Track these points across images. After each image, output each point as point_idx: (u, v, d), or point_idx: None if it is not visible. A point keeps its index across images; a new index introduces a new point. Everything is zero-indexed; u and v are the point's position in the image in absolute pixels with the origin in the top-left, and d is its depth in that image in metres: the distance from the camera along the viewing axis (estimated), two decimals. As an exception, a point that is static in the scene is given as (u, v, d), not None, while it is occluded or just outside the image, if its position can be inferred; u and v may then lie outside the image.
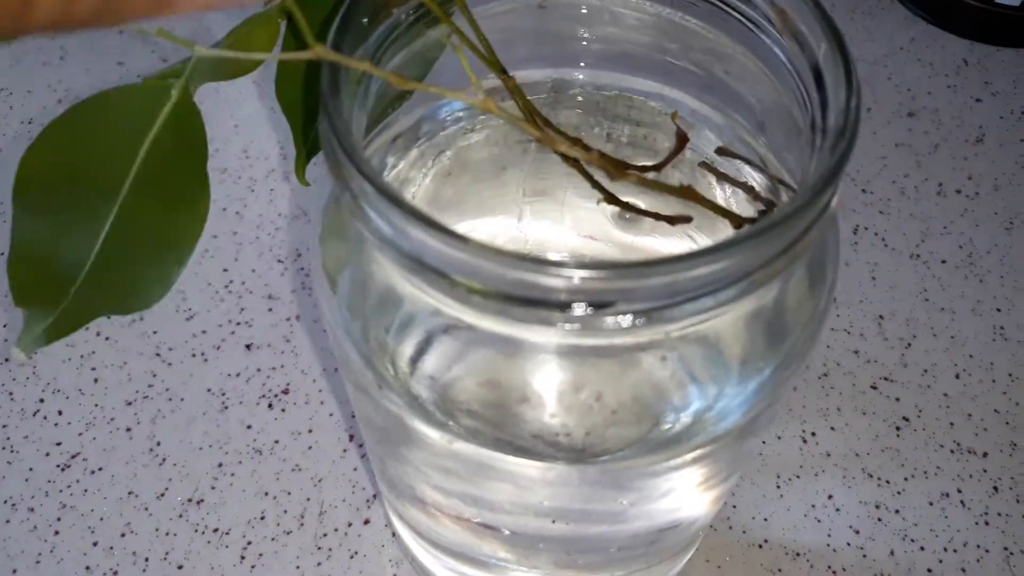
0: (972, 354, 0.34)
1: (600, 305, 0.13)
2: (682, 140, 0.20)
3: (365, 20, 0.16)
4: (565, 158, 0.17)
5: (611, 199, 0.17)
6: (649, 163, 0.19)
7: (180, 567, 0.29)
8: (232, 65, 0.16)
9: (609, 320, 0.13)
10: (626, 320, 0.13)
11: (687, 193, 0.17)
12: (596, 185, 0.17)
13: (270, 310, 0.34)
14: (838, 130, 0.15)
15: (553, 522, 0.19)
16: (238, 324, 0.34)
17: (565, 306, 0.13)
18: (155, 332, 0.34)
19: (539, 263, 0.13)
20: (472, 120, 0.20)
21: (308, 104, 0.19)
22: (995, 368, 0.34)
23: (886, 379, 0.33)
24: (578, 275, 0.13)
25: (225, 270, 0.35)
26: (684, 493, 0.20)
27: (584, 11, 0.19)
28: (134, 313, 0.19)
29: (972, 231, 0.37)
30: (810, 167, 0.16)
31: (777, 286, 0.17)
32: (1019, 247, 0.37)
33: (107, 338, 0.34)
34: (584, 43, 0.20)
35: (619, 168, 0.17)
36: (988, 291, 0.36)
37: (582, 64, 0.20)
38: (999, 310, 0.35)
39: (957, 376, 0.34)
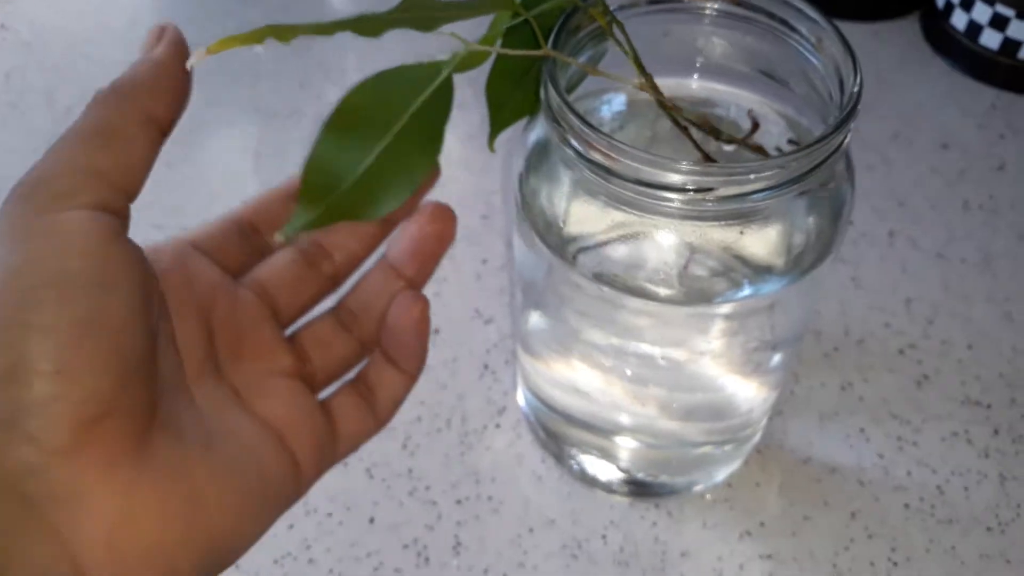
0: (982, 331, 0.43)
1: (702, 189, 0.23)
2: (755, 125, 0.29)
3: (570, 32, 0.26)
4: (679, 125, 0.27)
5: (707, 157, 0.27)
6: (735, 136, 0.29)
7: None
8: (478, 56, 0.26)
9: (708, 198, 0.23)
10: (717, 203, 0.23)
11: (757, 149, 0.27)
12: (697, 147, 0.27)
13: (422, 273, 0.44)
14: (848, 98, 0.25)
15: (661, 359, 0.28)
16: (398, 281, 0.44)
17: (682, 189, 0.23)
18: (335, 284, 0.44)
19: (671, 159, 0.23)
20: (620, 114, 0.30)
21: (503, 93, 0.29)
22: (1002, 342, 0.42)
23: (911, 346, 0.42)
24: (688, 168, 0.23)
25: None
26: (747, 350, 0.29)
27: (694, 39, 0.29)
28: (372, 218, 0.25)
29: (990, 238, 0.46)
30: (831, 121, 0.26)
31: (807, 207, 0.27)
32: (1029, 253, 0.46)
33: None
34: (695, 60, 0.30)
35: (716, 134, 0.26)
36: (1000, 285, 0.44)
37: (695, 75, 0.30)
38: (1008, 299, 0.44)
39: (969, 347, 0.42)
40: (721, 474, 0.37)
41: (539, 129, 0.28)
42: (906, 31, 0.57)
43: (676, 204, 0.23)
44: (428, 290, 0.44)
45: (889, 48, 0.56)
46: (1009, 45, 0.51)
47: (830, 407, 0.40)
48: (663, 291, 0.27)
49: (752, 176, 0.23)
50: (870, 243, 0.46)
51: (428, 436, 0.39)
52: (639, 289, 0.26)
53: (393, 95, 0.26)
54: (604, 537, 0.36)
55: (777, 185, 0.23)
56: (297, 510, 0.37)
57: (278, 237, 0.23)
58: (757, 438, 0.37)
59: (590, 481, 0.37)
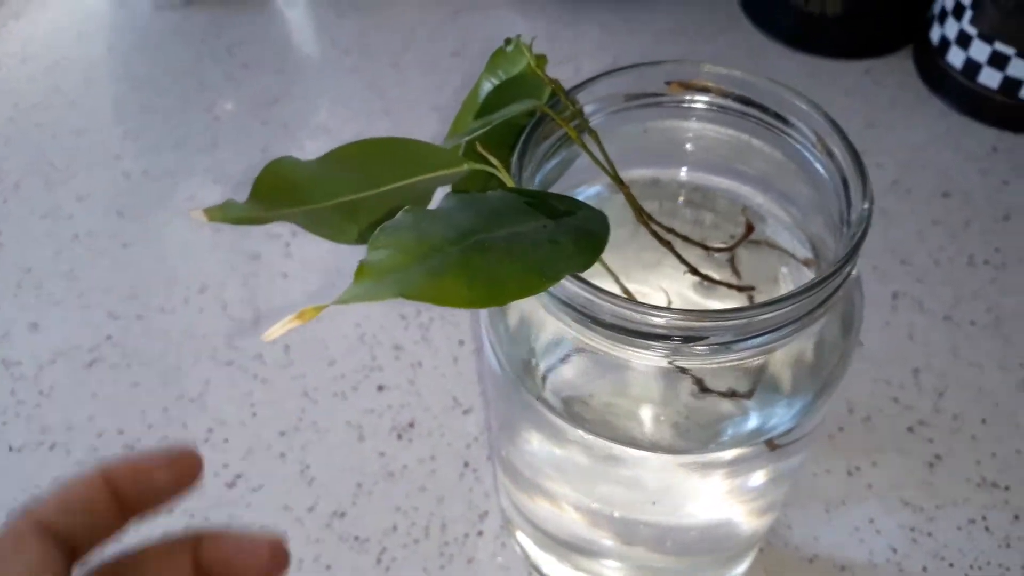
0: (998, 403, 0.40)
1: (689, 339, 0.20)
2: (749, 228, 0.27)
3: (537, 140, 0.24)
4: (659, 239, 0.25)
5: (694, 271, 0.25)
6: (723, 245, 0.26)
7: (328, 567, 0.36)
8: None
9: (697, 348, 0.21)
10: (707, 350, 0.21)
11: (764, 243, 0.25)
12: (682, 260, 0.25)
13: (397, 358, 0.42)
14: (857, 223, 0.23)
15: (653, 504, 0.25)
16: (371, 369, 0.42)
17: (665, 337, 0.21)
18: (303, 375, 0.42)
19: (653, 307, 0.20)
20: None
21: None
22: (1018, 415, 0.40)
23: (921, 423, 0.40)
24: (674, 316, 0.20)
25: (358, 324, 0.43)
26: (743, 489, 0.27)
27: (681, 136, 0.27)
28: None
29: (999, 297, 0.44)
30: (838, 248, 0.23)
31: (816, 331, 0.24)
32: (1041, 312, 0.43)
33: (263, 380, 0.41)
34: (681, 153, 0.27)
35: (699, 246, 0.24)
36: (1013, 349, 0.42)
37: (683, 167, 0.28)
38: (1022, 365, 0.42)
39: (983, 421, 0.40)
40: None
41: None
42: (899, 68, 0.55)
43: (661, 351, 0.21)
44: (401, 377, 0.41)
45: (882, 87, 0.54)
46: (1009, 84, 0.49)
47: (837, 496, 0.38)
48: (652, 435, 0.24)
49: (746, 321, 0.20)
50: (873, 307, 0.43)
51: (405, 548, 0.37)
52: (622, 435, 0.24)
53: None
54: (599, 656, 0.34)
55: (778, 327, 0.21)
56: (265, 637, 0.34)
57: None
58: (756, 548, 0.35)
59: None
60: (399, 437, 0.40)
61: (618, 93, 0.25)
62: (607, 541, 0.29)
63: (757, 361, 0.24)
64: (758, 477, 0.26)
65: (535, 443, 0.28)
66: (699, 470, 0.25)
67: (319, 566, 0.36)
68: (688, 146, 0.27)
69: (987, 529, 0.37)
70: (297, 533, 0.37)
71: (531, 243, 0.19)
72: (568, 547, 0.31)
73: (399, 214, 0.20)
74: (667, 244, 0.25)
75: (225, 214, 0.24)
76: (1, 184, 0.50)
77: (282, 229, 0.47)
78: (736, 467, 0.25)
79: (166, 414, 0.40)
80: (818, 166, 0.25)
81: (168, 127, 0.53)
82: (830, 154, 0.25)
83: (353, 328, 0.43)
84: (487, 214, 0.20)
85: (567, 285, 0.21)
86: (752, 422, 0.25)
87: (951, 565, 0.36)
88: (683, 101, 0.26)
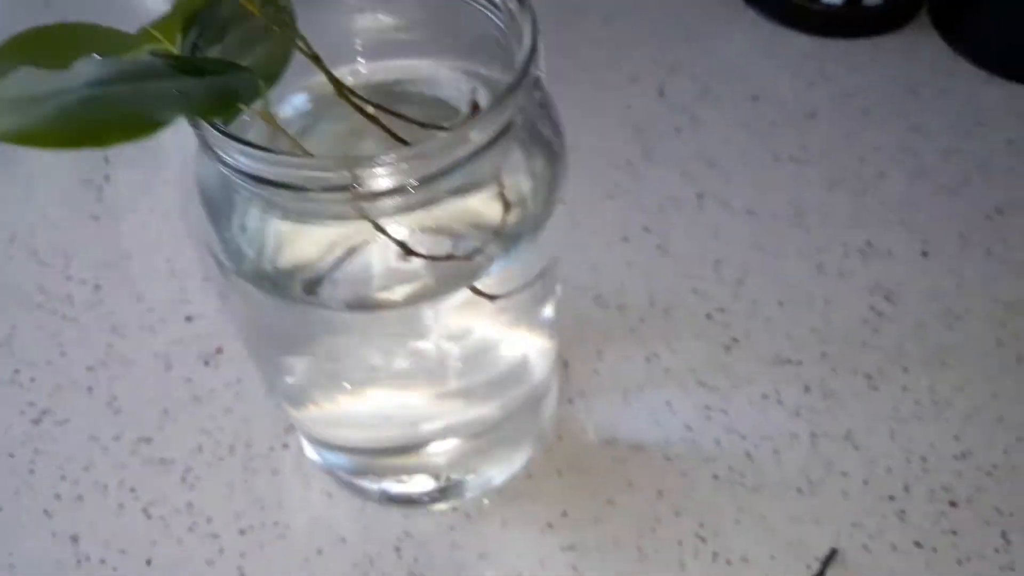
0: (794, 287, 0.42)
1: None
2: (475, 107, 0.28)
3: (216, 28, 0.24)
4: (364, 113, 0.25)
5: (398, 139, 0.25)
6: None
7: (132, 489, 0.36)
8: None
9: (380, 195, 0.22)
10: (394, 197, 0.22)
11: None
12: (389, 132, 0.26)
13: (204, 290, 0.42)
14: (525, 52, 0.23)
15: (389, 369, 0.26)
16: (180, 301, 0.42)
17: (341, 188, 0.21)
18: (112, 312, 0.42)
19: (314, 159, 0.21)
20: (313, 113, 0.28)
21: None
22: (814, 296, 0.42)
23: (720, 310, 0.41)
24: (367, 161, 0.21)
25: (168, 260, 0.43)
26: (480, 333, 0.28)
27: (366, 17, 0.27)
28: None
29: (801, 190, 0.46)
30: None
31: (510, 172, 0.25)
32: (840, 203, 0.45)
33: (72, 320, 0.41)
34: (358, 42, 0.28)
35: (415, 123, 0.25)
36: (811, 237, 0.44)
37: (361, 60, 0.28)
38: (819, 251, 0.43)
39: (780, 304, 0.41)
40: (520, 459, 0.36)
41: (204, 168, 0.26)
42: (715, -15, 0.56)
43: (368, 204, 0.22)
44: (209, 307, 0.42)
45: (696, 2, 0.55)
46: (812, -10, 0.51)
47: (635, 382, 0.39)
48: (410, 291, 0.25)
49: (413, 158, 0.21)
50: (677, 208, 0.45)
51: (209, 466, 0.37)
52: (385, 301, 0.25)
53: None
54: (398, 550, 0.35)
55: (464, 159, 0.22)
56: (67, 559, 0.35)
57: None
58: (552, 406, 0.36)
59: (389, 500, 0.36)
60: (206, 364, 0.40)
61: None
62: (392, 428, 0.30)
63: (453, 209, 0.24)
64: (492, 323, 0.27)
65: (292, 352, 0.28)
66: (433, 321, 0.26)
67: (124, 489, 0.36)
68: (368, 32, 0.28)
69: (779, 402, 0.38)
70: (103, 461, 0.37)
71: (152, 94, 0.20)
72: (380, 453, 0.32)
73: (14, 72, 0.20)
74: (373, 119, 0.25)
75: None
76: None
77: (94, 175, 0.47)
78: (465, 315, 0.26)
79: (-29, 360, 0.40)
80: (498, 22, 0.25)
81: None
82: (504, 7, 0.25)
83: (164, 263, 0.43)
84: (117, 72, 0.20)
85: (233, 154, 0.21)
86: (469, 273, 0.26)
87: (743, 437, 0.37)
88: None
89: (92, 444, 0.38)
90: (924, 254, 0.43)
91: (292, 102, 0.28)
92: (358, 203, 0.22)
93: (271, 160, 0.21)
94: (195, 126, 0.22)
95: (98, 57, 0.21)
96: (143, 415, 0.38)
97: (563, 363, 0.39)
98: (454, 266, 0.26)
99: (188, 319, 0.41)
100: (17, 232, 0.45)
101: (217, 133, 0.21)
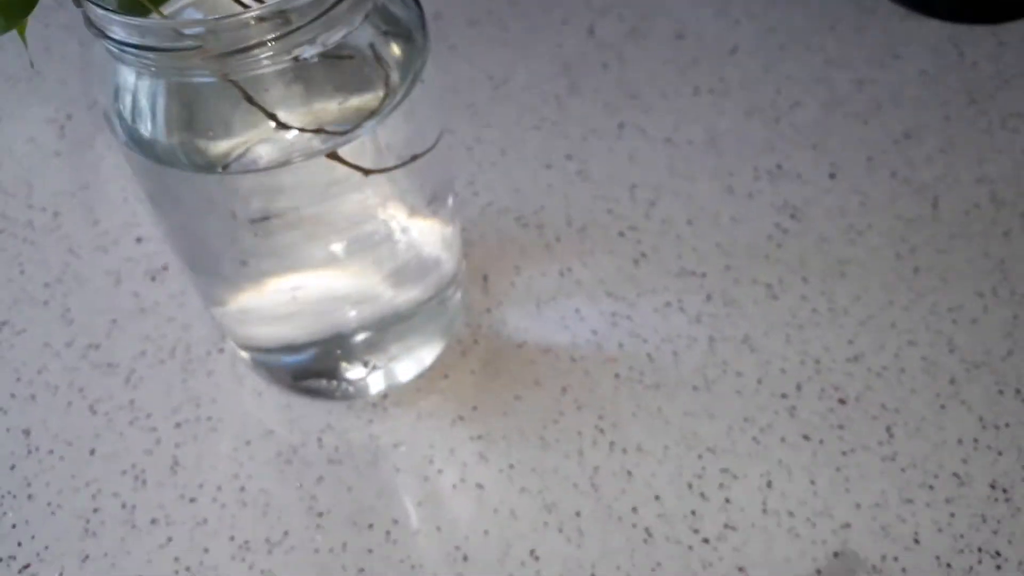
0: (704, 207, 0.44)
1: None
2: None
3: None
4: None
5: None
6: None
7: (80, 389, 0.39)
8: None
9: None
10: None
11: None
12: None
13: (156, 214, 0.45)
14: None
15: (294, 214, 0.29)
16: (132, 225, 0.45)
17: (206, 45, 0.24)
18: (69, 236, 0.45)
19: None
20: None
21: None
22: (721, 214, 0.44)
23: (632, 228, 0.44)
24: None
25: (123, 188, 0.46)
26: (362, 208, 0.30)
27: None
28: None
29: (717, 120, 0.48)
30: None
31: (364, 38, 0.28)
32: (755, 130, 0.47)
33: (32, 243, 0.44)
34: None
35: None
36: (724, 161, 0.46)
37: None
38: (731, 174, 0.46)
39: (689, 222, 0.44)
40: (432, 353, 0.39)
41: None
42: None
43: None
44: (157, 235, 0.44)
45: (636, -49, 0.57)
46: (738, -67, 0.53)
47: (548, 293, 0.41)
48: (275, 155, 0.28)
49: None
50: (599, 137, 0.47)
51: (151, 368, 0.40)
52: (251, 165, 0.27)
53: None
54: (320, 440, 0.37)
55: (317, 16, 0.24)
56: (19, 450, 0.38)
57: None
58: (459, 295, 0.39)
59: (312, 392, 0.38)
60: (153, 279, 0.43)
61: None
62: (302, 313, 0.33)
63: (321, 85, 0.27)
64: (372, 199, 0.30)
65: (198, 222, 0.31)
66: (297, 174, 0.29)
67: (73, 390, 0.39)
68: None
69: (681, 310, 0.41)
70: (54, 365, 0.40)
71: None
72: (271, 352, 0.35)
73: None
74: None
75: None
76: None
77: (57, 114, 0.50)
78: (339, 188, 0.29)
79: (-62, 279, 0.43)
80: None
81: None
82: None
83: (119, 192, 0.46)
84: None
85: (104, 27, 0.24)
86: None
87: (645, 340, 0.40)
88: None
89: (46, 350, 0.41)
90: (832, 176, 0.45)
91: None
92: (213, 60, 0.25)
93: (137, 25, 0.24)
94: (78, 4, 0.24)
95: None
96: (93, 325, 0.41)
97: (483, 277, 0.42)
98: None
99: (138, 240, 0.44)
100: (-16, 166, 0.48)
101: (97, 8, 0.24)
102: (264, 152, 0.29)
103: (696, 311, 0.41)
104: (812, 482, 0.36)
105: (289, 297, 0.34)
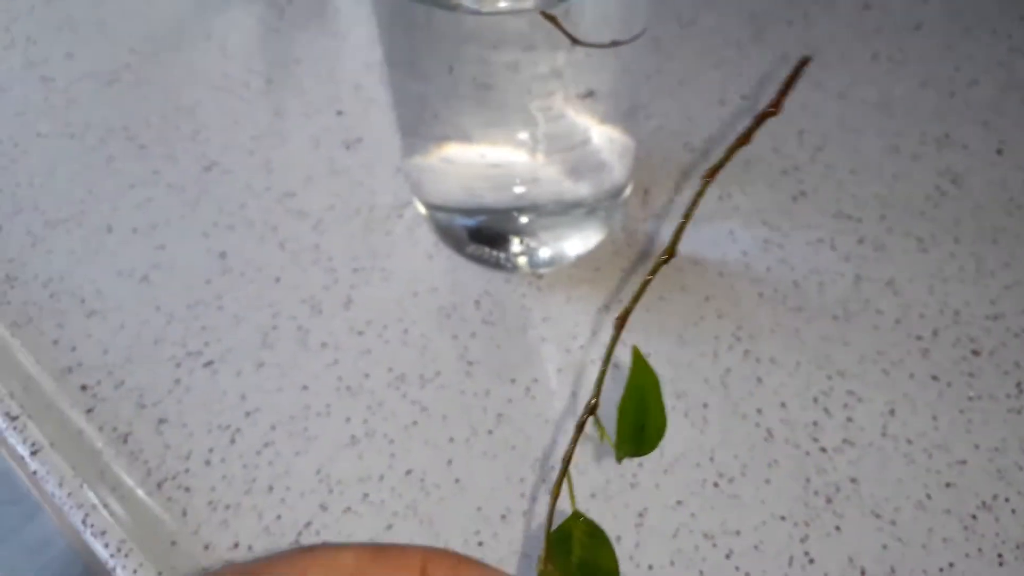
0: (867, 159, 0.45)
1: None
2: None
3: None
4: None
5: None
6: None
7: (274, 228, 0.44)
8: None
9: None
10: None
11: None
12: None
13: (356, 93, 0.49)
14: None
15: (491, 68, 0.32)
16: (334, 99, 0.49)
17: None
18: (279, 103, 0.49)
19: None
20: None
21: None
22: (884, 169, 0.45)
23: (795, 168, 0.45)
24: None
25: (331, 68, 0.51)
26: (564, 85, 0.33)
27: None
28: None
29: (893, 84, 0.49)
30: None
31: None
32: (927, 99, 0.48)
33: (247, 101, 0.49)
34: None
35: None
36: (894, 121, 0.47)
37: None
38: (899, 134, 0.46)
39: (852, 172, 0.45)
40: (590, 242, 0.41)
41: None
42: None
43: None
44: (358, 107, 0.48)
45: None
46: (941, -85, 0.53)
47: (705, 213, 0.43)
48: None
49: None
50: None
51: (337, 221, 0.44)
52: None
53: None
54: (477, 302, 0.40)
55: None
56: (215, 269, 0.42)
57: None
58: (622, 203, 0.41)
59: (475, 259, 0.41)
60: (347, 148, 0.47)
61: None
62: (488, 182, 0.36)
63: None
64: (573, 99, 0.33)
65: (414, 55, 0.34)
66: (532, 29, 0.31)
67: (267, 227, 0.44)
68: None
69: (832, 247, 0.42)
70: (253, 204, 0.45)
71: None
72: (470, 211, 0.38)
73: None
74: None
75: None
76: None
77: (281, -3, 0.55)
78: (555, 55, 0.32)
79: (164, 119, 0.49)
80: None
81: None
82: None
83: (326, 71, 0.51)
84: None
85: None
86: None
87: (792, 268, 0.41)
88: None
89: (247, 191, 0.45)
90: (999, 152, 0.46)
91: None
92: None
93: None
94: None
95: None
96: (291, 177, 0.46)
97: (644, 190, 0.44)
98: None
99: (338, 113, 0.48)
100: (212, 34, 0.53)
101: None
102: None
103: (847, 251, 0.42)
104: (934, 418, 0.37)
105: (475, 162, 0.37)
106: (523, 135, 0.35)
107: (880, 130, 0.47)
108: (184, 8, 0.55)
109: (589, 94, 0.35)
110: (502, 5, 0.31)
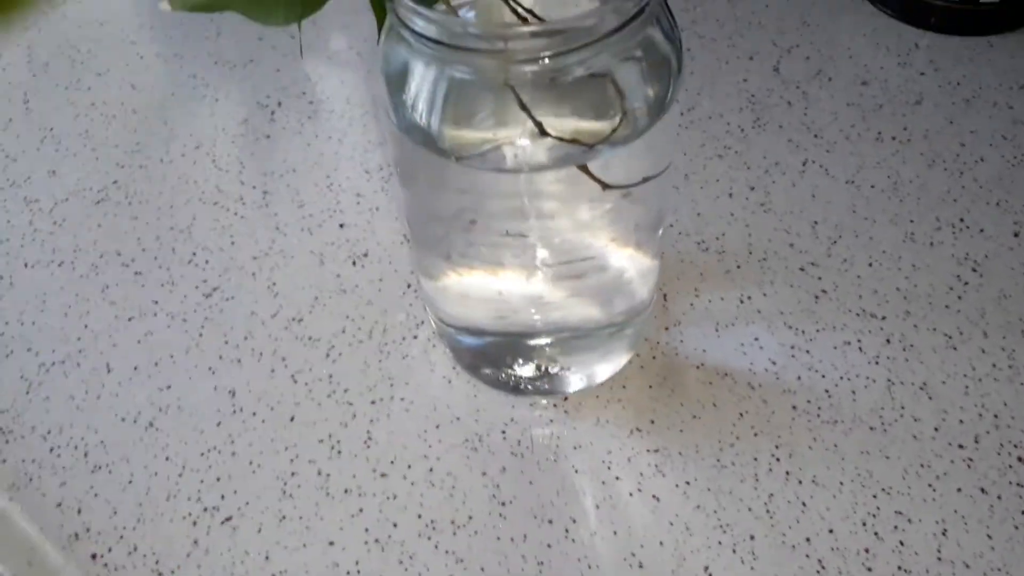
0: (885, 250, 0.43)
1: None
2: None
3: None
4: (519, 15, 0.28)
5: (527, 13, 0.28)
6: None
7: (283, 359, 0.40)
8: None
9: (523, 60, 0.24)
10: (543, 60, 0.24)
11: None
12: (514, 11, 0.28)
13: (358, 203, 0.46)
14: None
15: (527, 220, 0.29)
16: (335, 211, 0.46)
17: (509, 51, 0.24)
18: (276, 214, 0.46)
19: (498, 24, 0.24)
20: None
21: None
22: (902, 260, 0.43)
23: (813, 264, 0.43)
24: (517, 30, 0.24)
25: (328, 176, 0.47)
26: (592, 228, 0.30)
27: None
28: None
29: (900, 166, 0.46)
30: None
31: (632, 62, 0.28)
32: (936, 178, 0.46)
33: (242, 216, 0.46)
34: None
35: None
36: (905, 208, 0.45)
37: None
38: (912, 221, 0.44)
39: (870, 264, 0.43)
40: (614, 366, 0.38)
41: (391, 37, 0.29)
42: (839, -21, 0.57)
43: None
44: (360, 219, 0.45)
45: (822, -5, 0.56)
46: (932, -14, 0.51)
47: (727, 318, 0.41)
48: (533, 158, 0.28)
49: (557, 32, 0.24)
50: (782, 172, 0.46)
51: (350, 346, 0.41)
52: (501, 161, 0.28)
53: None
54: (503, 432, 0.38)
55: (599, 38, 0.24)
56: (225, 409, 0.39)
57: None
58: (649, 325, 0.38)
59: (495, 384, 0.39)
60: (354, 264, 0.44)
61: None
62: (519, 301, 0.33)
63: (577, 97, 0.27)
64: (602, 219, 0.30)
65: (439, 205, 0.31)
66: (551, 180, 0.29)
67: (276, 358, 0.40)
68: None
69: (860, 349, 0.40)
70: (260, 333, 0.41)
71: None
72: (489, 334, 0.35)
73: None
74: (522, 18, 0.28)
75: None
76: (32, 64, 0.55)
77: (269, 101, 0.51)
78: (582, 204, 0.29)
79: (158, 241, 0.45)
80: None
81: (177, 18, 0.57)
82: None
83: (323, 179, 0.47)
84: None
85: (413, 17, 0.25)
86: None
87: (823, 376, 0.39)
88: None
89: (252, 318, 0.42)
90: (1016, 235, 0.44)
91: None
92: (502, 65, 0.25)
93: (444, 21, 0.24)
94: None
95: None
96: (297, 299, 0.42)
97: (662, 295, 0.42)
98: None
99: (341, 226, 0.45)
100: (202, 142, 0.50)
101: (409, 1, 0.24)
102: (509, 154, 0.29)
103: (875, 352, 0.40)
104: (989, 536, 0.34)
105: (487, 292, 0.34)
106: (535, 266, 0.32)
107: (893, 217, 0.44)
108: (171, 114, 0.52)
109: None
110: (539, 161, 0.28)
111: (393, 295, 0.42)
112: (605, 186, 0.29)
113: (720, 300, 0.41)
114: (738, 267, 0.43)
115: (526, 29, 0.24)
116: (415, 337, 0.41)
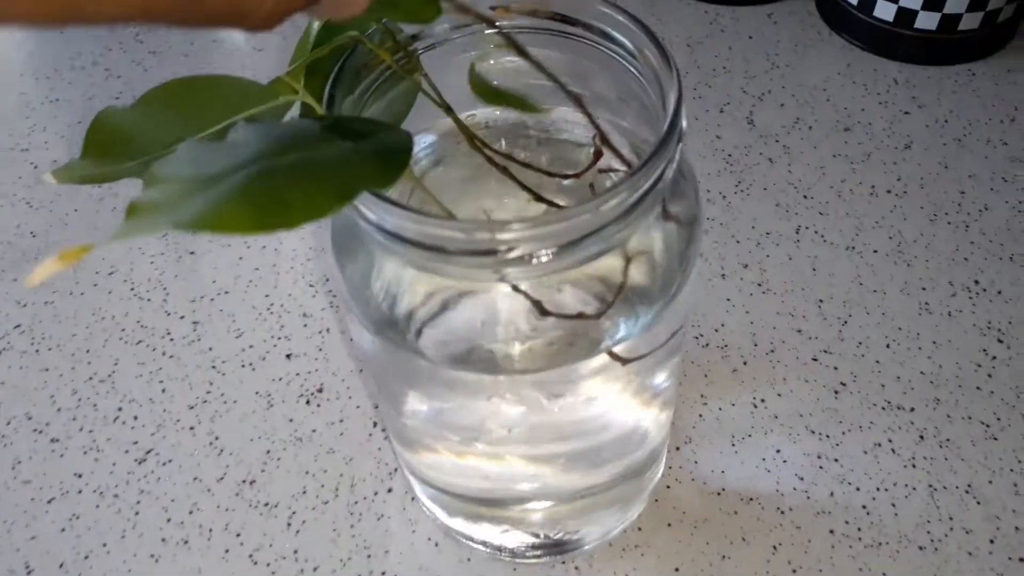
0: (900, 327, 0.38)
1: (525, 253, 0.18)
2: (597, 155, 0.24)
3: (355, 75, 0.21)
4: (495, 164, 0.22)
5: (537, 197, 0.22)
6: (570, 172, 0.24)
7: (238, 535, 0.34)
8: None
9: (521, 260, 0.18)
10: (543, 257, 0.18)
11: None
12: (522, 185, 0.22)
13: (305, 325, 0.39)
14: (670, 115, 0.20)
15: (508, 431, 0.23)
16: (279, 338, 0.39)
17: (490, 252, 0.18)
18: (211, 348, 0.39)
19: (488, 223, 0.18)
20: (435, 154, 0.25)
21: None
22: (921, 337, 0.38)
23: (825, 351, 0.37)
24: (513, 228, 0.18)
25: (267, 295, 0.41)
26: (604, 400, 0.24)
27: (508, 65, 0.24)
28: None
29: (901, 224, 0.42)
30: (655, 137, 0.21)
31: (648, 237, 0.22)
32: (942, 235, 0.41)
33: (172, 356, 0.39)
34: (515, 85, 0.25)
35: (543, 172, 0.21)
36: (914, 273, 0.40)
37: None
38: (924, 288, 0.39)
39: (887, 346, 0.38)
40: (623, 520, 0.32)
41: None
42: (800, 10, 0.52)
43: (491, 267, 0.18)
44: (310, 344, 0.39)
45: (783, 29, 0.51)
46: (904, 15, 0.47)
47: (742, 429, 0.35)
48: (517, 363, 0.22)
49: (555, 226, 0.18)
50: (775, 243, 0.41)
51: (315, 510, 0.34)
52: (491, 364, 0.21)
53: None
54: (508, 605, 0.32)
55: (602, 227, 0.18)
56: (173, 611, 0.32)
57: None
58: (661, 468, 0.33)
59: (496, 549, 0.32)
60: (308, 403, 0.37)
61: (445, 26, 0.23)
62: (501, 484, 0.27)
63: (592, 271, 0.21)
64: (618, 390, 0.24)
65: (414, 401, 0.25)
66: (560, 385, 0.23)
67: (229, 534, 0.34)
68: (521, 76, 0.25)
69: (893, 451, 0.35)
70: (207, 504, 0.34)
71: (323, 166, 0.17)
72: (464, 499, 0.29)
73: (178, 147, 0.17)
74: (504, 170, 0.22)
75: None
76: (-86, 183, 0.47)
77: (191, 207, 0.44)
78: (592, 381, 0.23)
79: (75, 396, 0.38)
80: (641, 78, 0.22)
81: (75, 117, 0.50)
82: (647, 63, 0.22)
83: (262, 299, 0.41)
84: (276, 141, 0.17)
85: (381, 214, 0.18)
86: (598, 335, 0.22)
87: (857, 489, 0.34)
88: (512, 27, 0.23)
89: (196, 485, 0.35)
90: (1034, 292, 0.39)
91: (419, 142, 0.25)
92: (497, 266, 0.19)
93: (416, 220, 0.18)
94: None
95: (245, 123, 0.18)
96: (246, 455, 0.36)
97: (667, 406, 0.36)
98: (580, 326, 0.22)
99: (288, 356, 0.38)
100: (116, 265, 0.42)
101: (370, 195, 0.18)
102: (500, 354, 0.23)
103: (910, 453, 0.35)
104: (1073, 671, 0.29)
105: (483, 463, 0.28)
106: (537, 436, 0.26)
107: (903, 285, 0.39)
108: (75, 233, 0.44)
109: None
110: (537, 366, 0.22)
111: (357, 437, 0.36)
112: (624, 361, 0.23)
113: (731, 407, 0.36)
114: (744, 363, 0.37)
115: (523, 232, 0.18)
116: (389, 490, 0.34)
